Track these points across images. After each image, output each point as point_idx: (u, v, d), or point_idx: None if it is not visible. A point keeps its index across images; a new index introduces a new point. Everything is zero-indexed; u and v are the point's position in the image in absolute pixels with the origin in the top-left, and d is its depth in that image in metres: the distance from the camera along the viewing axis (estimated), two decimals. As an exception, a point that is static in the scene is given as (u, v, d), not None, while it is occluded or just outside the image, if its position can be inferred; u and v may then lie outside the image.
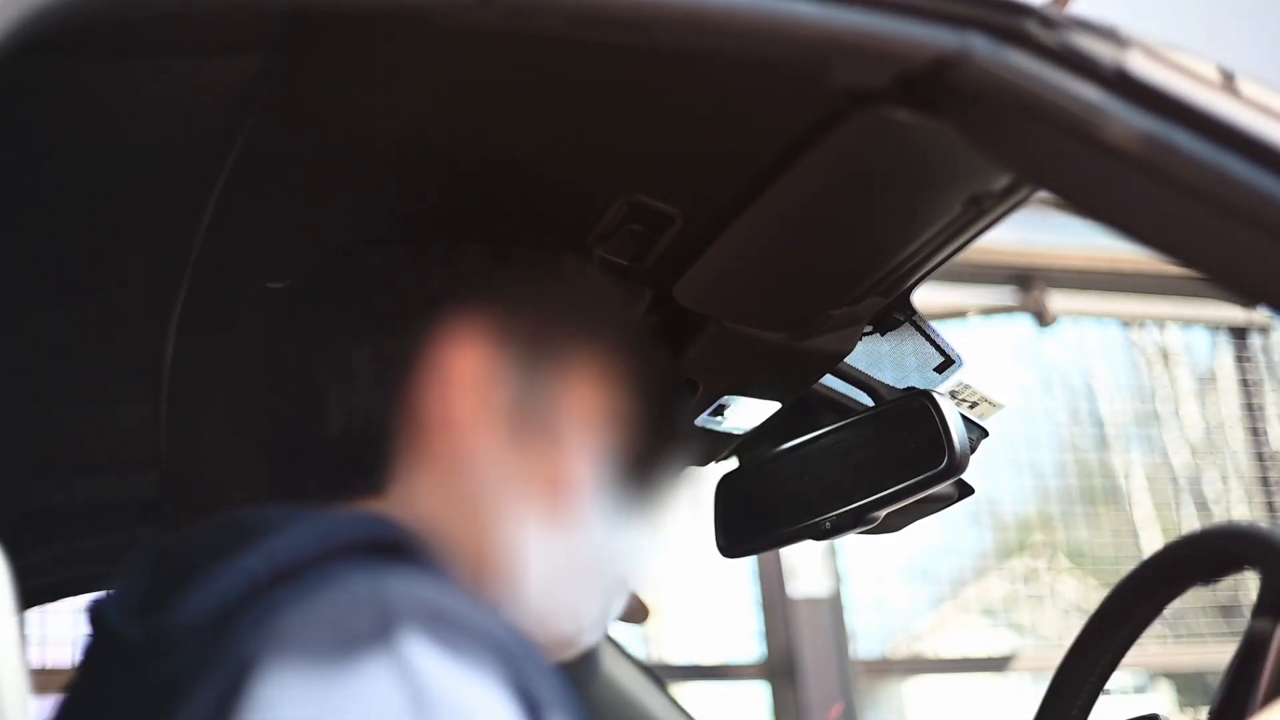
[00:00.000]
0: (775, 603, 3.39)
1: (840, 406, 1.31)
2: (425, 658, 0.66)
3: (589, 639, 0.91)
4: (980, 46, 0.75)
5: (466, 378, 0.87)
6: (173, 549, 0.81)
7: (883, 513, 1.25)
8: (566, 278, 0.97)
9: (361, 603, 0.69)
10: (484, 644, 0.69)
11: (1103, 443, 4.56)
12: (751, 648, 3.52)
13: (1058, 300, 3.89)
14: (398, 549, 0.78)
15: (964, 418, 1.21)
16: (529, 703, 0.68)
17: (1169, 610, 1.29)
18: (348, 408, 0.87)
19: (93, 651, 0.82)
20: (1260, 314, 4.00)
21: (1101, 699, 1.31)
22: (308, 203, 1.01)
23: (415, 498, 0.85)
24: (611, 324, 0.96)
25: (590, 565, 0.89)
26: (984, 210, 1.04)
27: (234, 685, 0.66)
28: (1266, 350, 4.38)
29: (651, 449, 0.95)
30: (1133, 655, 1.31)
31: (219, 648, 0.69)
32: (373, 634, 0.66)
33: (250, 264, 1.07)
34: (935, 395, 1.20)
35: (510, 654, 0.69)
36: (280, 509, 0.80)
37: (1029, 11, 0.75)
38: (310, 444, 0.88)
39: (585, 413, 0.90)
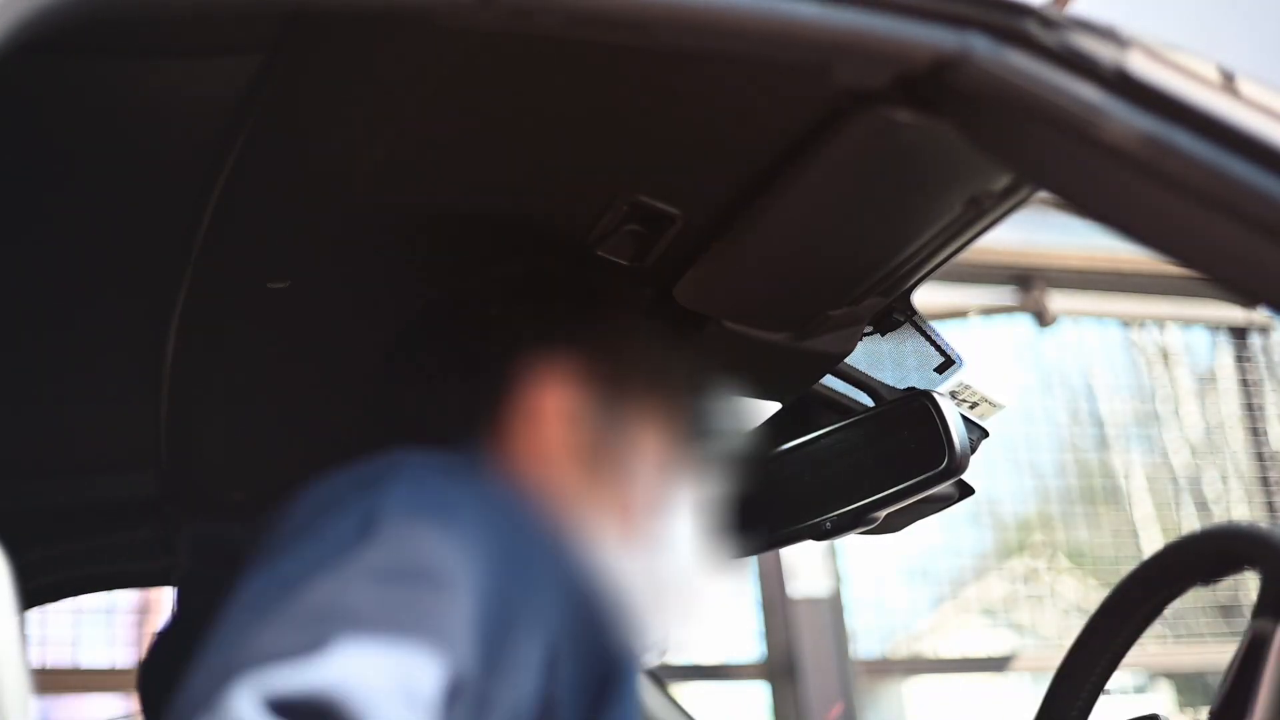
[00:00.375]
0: (775, 603, 3.39)
1: (840, 406, 1.31)
2: (397, 502, 0.75)
3: (655, 658, 1.00)
4: (980, 47, 0.74)
5: (554, 414, 0.95)
6: None
7: (883, 513, 1.25)
8: (637, 329, 1.06)
9: (379, 461, 0.81)
10: (482, 525, 0.77)
11: (1103, 443, 4.56)
12: (751, 648, 3.52)
13: (1058, 300, 3.88)
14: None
15: (964, 418, 1.21)
16: (503, 604, 0.75)
17: (1169, 610, 1.29)
18: (441, 437, 0.92)
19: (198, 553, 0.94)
20: (1260, 314, 4.00)
21: (1101, 699, 1.30)
22: (308, 203, 1.01)
23: None
24: (673, 371, 1.05)
25: (658, 588, 0.96)
26: (984, 210, 1.04)
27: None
28: (1266, 350, 4.38)
29: (707, 481, 1.03)
30: (1133, 655, 1.31)
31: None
32: (368, 479, 0.78)
33: (250, 264, 1.07)
34: (935, 395, 1.20)
35: (509, 553, 0.78)
36: None
37: (1029, 12, 0.75)
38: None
39: (653, 449, 0.98)
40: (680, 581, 0.98)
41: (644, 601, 0.93)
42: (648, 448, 0.98)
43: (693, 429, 1.03)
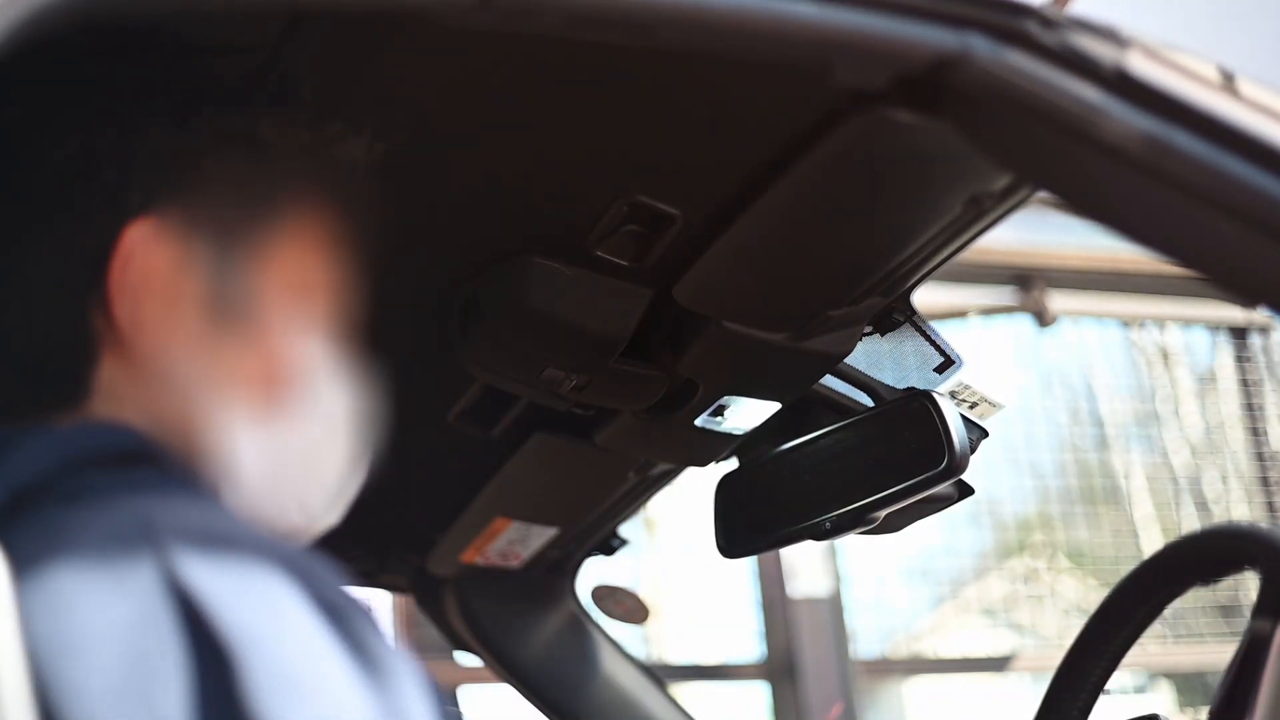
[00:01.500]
0: (775, 603, 3.39)
1: (840, 407, 1.31)
2: (207, 579, 0.63)
3: (324, 524, 0.85)
4: (980, 47, 0.75)
5: (153, 272, 0.78)
6: None
7: (883, 513, 1.25)
8: (259, 143, 0.86)
9: (123, 526, 0.65)
10: (267, 556, 0.66)
11: (1103, 443, 4.56)
12: (751, 648, 3.52)
13: (1058, 300, 3.88)
14: (140, 458, 0.74)
15: (964, 418, 1.21)
16: (329, 608, 0.65)
17: (1169, 610, 1.29)
18: (30, 316, 0.78)
19: None
20: (1260, 314, 4.00)
21: (1101, 699, 1.31)
22: None
23: (117, 409, 0.78)
24: (314, 187, 0.87)
25: (316, 450, 0.83)
26: (984, 210, 1.04)
27: None
28: (1266, 350, 4.38)
29: (372, 313, 0.89)
30: (1133, 655, 1.31)
31: None
32: (143, 560, 0.63)
33: None
34: (935, 395, 1.20)
35: (296, 564, 0.67)
36: None
37: (1029, 12, 0.75)
38: None
39: (293, 288, 0.83)
40: (342, 436, 0.84)
41: (298, 469, 0.82)
42: (284, 290, 0.83)
43: (343, 254, 0.87)
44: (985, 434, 1.29)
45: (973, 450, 1.19)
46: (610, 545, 1.67)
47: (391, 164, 0.97)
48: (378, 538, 1.57)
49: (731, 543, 1.38)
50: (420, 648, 2.27)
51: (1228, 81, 0.74)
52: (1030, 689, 4.23)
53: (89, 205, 0.79)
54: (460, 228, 1.06)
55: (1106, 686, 1.31)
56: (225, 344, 0.80)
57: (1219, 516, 4.46)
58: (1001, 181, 1.00)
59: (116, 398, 0.78)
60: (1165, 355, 4.55)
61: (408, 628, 2.78)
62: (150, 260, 0.78)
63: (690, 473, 1.49)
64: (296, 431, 0.82)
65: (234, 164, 0.84)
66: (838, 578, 3.47)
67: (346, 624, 0.66)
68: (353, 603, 0.67)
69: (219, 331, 0.80)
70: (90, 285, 0.78)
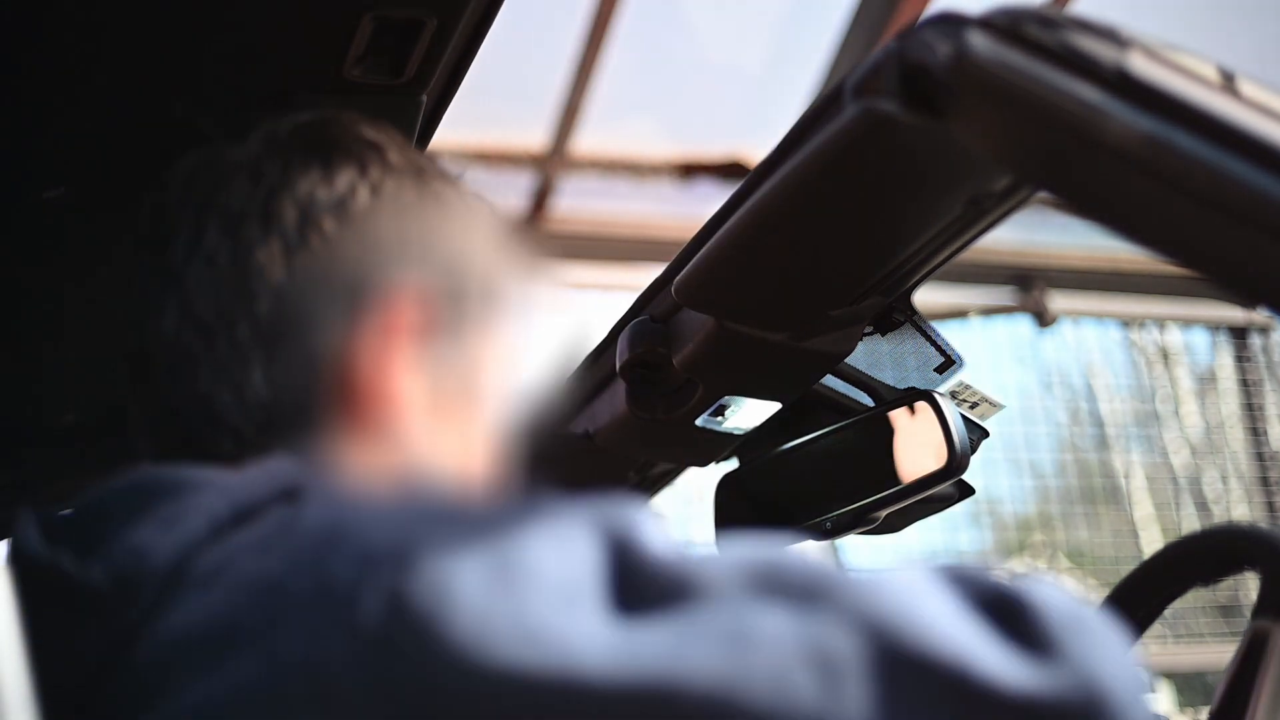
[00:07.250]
0: (775, 603, 3.39)
1: (840, 406, 1.31)
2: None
3: None
4: (980, 46, 0.75)
5: (404, 340, 0.75)
6: (90, 503, 0.69)
7: (883, 513, 1.25)
8: (429, 170, 0.80)
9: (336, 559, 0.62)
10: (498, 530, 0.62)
11: (1103, 443, 4.56)
12: (751, 648, 3.51)
13: (1058, 300, 3.89)
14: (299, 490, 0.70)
15: (964, 418, 1.21)
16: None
17: (1169, 610, 1.29)
18: (267, 375, 0.73)
19: (36, 605, 0.66)
20: (1260, 314, 4.00)
21: (1101, 699, 1.30)
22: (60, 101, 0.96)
23: (330, 465, 0.74)
24: (515, 248, 0.83)
25: None
26: (985, 211, 1.04)
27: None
28: (1266, 350, 4.38)
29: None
30: (1133, 655, 1.31)
31: (190, 589, 0.63)
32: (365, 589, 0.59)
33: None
34: (936, 395, 1.20)
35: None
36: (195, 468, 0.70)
37: (1029, 12, 0.75)
38: (219, 413, 0.74)
39: (501, 365, 0.80)
40: None
41: None
42: (494, 367, 0.80)
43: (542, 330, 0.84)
44: (986, 434, 1.29)
45: (973, 450, 1.19)
46: (610, 545, 1.67)
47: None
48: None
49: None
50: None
51: (1228, 81, 0.74)
52: (1030, 689, 4.22)
53: (346, 253, 0.74)
54: (212, 77, 0.99)
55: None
56: (445, 419, 0.77)
57: (1219, 516, 4.46)
58: (1002, 181, 1.00)
59: (334, 455, 0.74)
60: (1165, 355, 4.55)
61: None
62: (404, 326, 0.75)
63: (690, 473, 1.49)
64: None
65: (460, 222, 0.80)
66: (838, 578, 3.47)
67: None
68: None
69: (441, 406, 0.76)
70: (324, 352, 0.74)
